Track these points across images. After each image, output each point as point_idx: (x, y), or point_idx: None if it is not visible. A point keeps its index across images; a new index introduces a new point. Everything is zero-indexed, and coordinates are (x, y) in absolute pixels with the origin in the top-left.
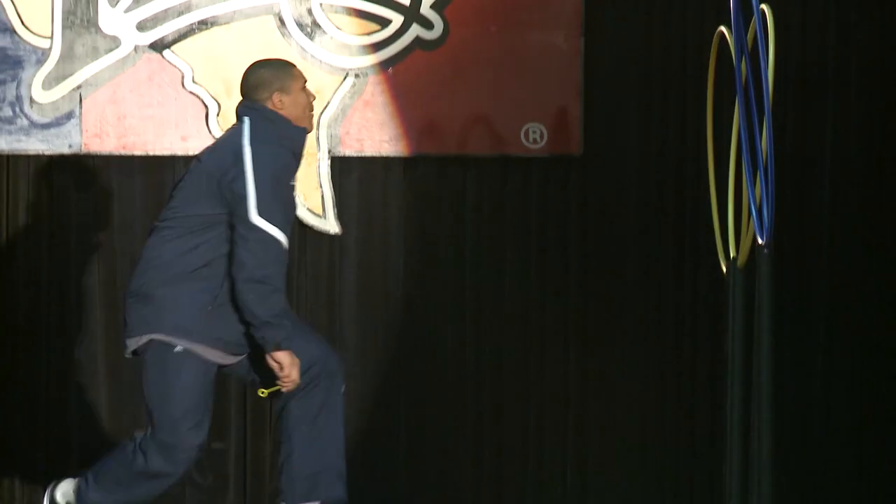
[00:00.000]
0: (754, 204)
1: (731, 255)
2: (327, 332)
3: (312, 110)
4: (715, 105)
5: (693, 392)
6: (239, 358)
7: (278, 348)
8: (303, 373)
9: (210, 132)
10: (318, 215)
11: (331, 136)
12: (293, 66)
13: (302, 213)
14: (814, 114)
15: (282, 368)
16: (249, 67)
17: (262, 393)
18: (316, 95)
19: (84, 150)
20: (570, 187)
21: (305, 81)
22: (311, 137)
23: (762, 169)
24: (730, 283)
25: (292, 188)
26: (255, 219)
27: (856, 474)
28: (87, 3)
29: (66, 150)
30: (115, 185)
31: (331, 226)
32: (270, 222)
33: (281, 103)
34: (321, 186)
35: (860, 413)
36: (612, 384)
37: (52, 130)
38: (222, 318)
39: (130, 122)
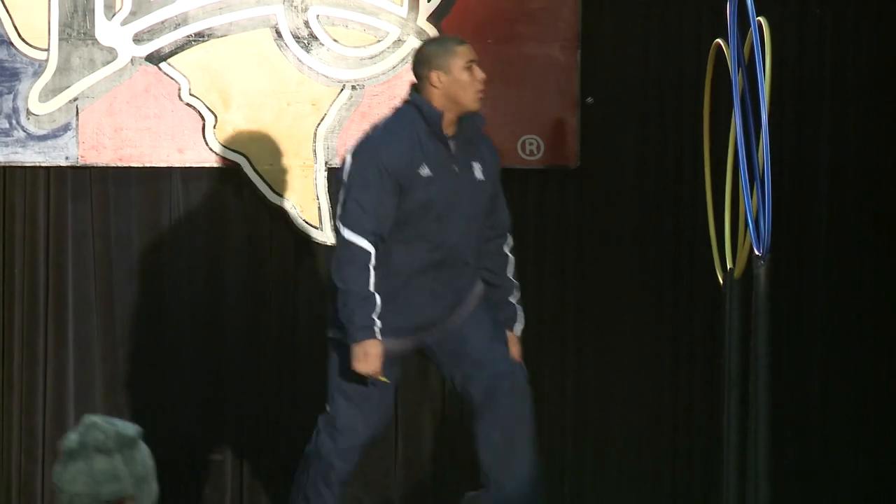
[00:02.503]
0: (751, 215)
1: (728, 267)
2: (325, 344)
3: (481, 88)
4: (712, 117)
5: (690, 403)
6: (415, 340)
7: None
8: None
9: (207, 144)
10: (315, 227)
11: (327, 148)
12: (459, 42)
13: (298, 224)
14: (811, 125)
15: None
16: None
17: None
18: (484, 75)
19: (81, 161)
20: (567, 199)
21: (472, 60)
22: (307, 149)
23: (759, 180)
24: (727, 294)
25: (422, 179)
26: (339, 224)
27: (854, 483)
28: (84, 15)
29: (62, 162)
30: (112, 197)
31: (328, 237)
32: (356, 231)
33: (440, 82)
34: (318, 198)
35: (858, 423)
36: (609, 394)
37: (49, 142)
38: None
39: (127, 134)
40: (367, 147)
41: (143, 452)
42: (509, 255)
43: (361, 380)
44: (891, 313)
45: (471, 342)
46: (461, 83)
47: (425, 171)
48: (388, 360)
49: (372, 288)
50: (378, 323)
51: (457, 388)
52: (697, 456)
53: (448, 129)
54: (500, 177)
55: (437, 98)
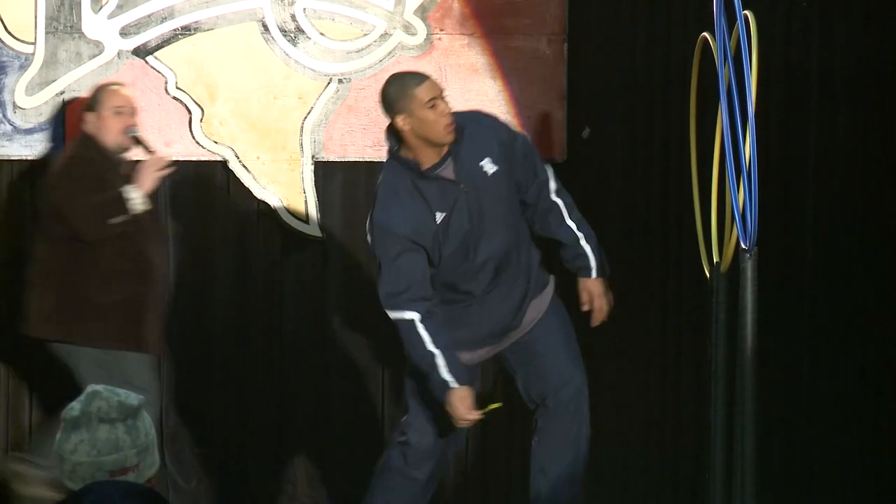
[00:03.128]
0: (738, 209)
1: (715, 261)
2: (312, 337)
3: (449, 121)
4: (699, 111)
5: (677, 397)
6: (490, 349)
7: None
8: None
9: (193, 137)
10: (301, 220)
11: (314, 142)
12: (418, 82)
13: (285, 217)
14: (798, 119)
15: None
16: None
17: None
18: (449, 107)
19: None
20: None
21: (433, 97)
22: (294, 142)
23: (746, 174)
24: (713, 287)
25: (439, 226)
26: (384, 304)
27: (840, 477)
28: (71, 8)
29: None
30: None
31: (314, 231)
32: (395, 308)
33: (406, 125)
34: (304, 191)
35: (845, 417)
36: (595, 388)
37: (36, 136)
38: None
39: None
40: (378, 220)
41: (146, 422)
42: (557, 199)
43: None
44: (878, 306)
45: (539, 354)
46: (427, 123)
47: (438, 216)
48: (468, 370)
49: (431, 346)
50: (452, 377)
51: (522, 395)
52: (684, 449)
53: (432, 161)
54: (523, 147)
55: (409, 139)
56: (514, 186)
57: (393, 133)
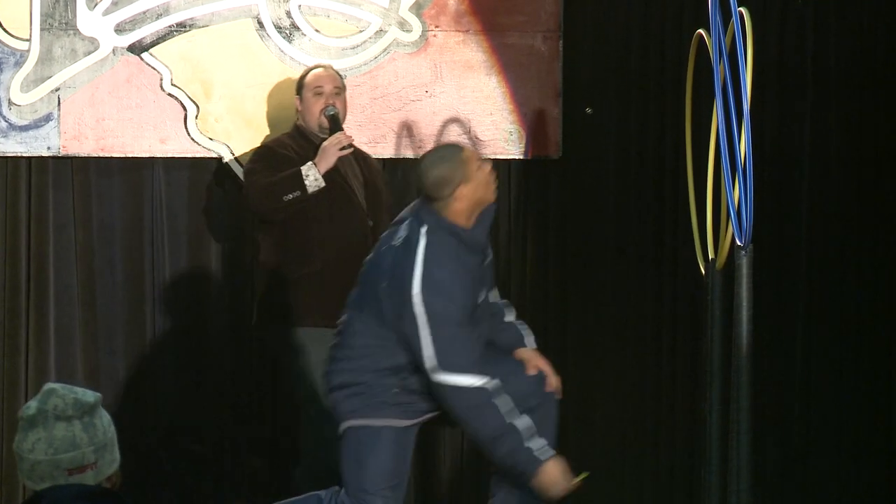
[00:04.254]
0: (733, 206)
1: (711, 257)
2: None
3: (493, 182)
4: (694, 107)
5: (673, 393)
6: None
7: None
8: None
9: (189, 134)
10: None
11: None
12: (461, 149)
13: None
14: (793, 116)
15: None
16: (424, 158)
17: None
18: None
19: (62, 152)
20: (550, 190)
21: (479, 158)
22: None
23: (741, 171)
24: (709, 284)
25: (481, 286)
26: (440, 376)
27: (835, 474)
28: (66, 5)
29: (44, 153)
30: (94, 187)
31: None
32: (457, 371)
33: (465, 195)
34: None
35: (840, 413)
36: (590, 384)
37: (31, 132)
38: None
39: (109, 124)
40: (440, 278)
41: (104, 420)
42: None
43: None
44: (872, 304)
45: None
46: (483, 184)
47: (478, 294)
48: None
49: (509, 419)
50: (544, 442)
51: None
52: (679, 445)
53: (470, 224)
54: None
55: (464, 211)
56: None
57: (427, 209)
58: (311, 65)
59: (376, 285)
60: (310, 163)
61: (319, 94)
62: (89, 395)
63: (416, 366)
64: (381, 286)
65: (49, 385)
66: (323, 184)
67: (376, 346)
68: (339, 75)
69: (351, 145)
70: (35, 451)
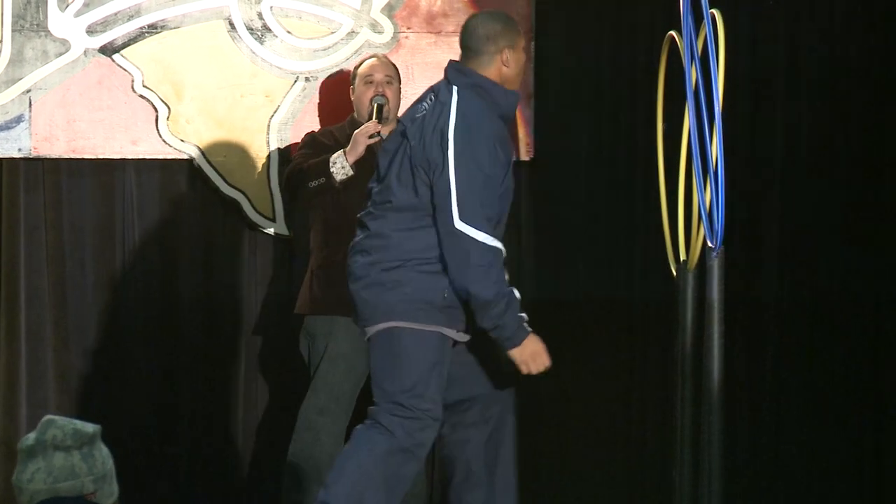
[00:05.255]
0: (704, 207)
1: (682, 259)
2: (279, 336)
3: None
4: (665, 109)
5: (643, 395)
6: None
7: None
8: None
9: (160, 136)
10: (268, 218)
11: (281, 140)
12: (517, 22)
13: (251, 215)
14: (764, 118)
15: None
16: (475, 17)
17: None
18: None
19: (34, 153)
20: (522, 192)
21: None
22: (261, 140)
23: (712, 172)
24: (680, 286)
25: (509, 166)
26: (463, 225)
27: (807, 473)
28: (37, 6)
29: (15, 154)
30: (65, 189)
31: (281, 229)
32: (478, 228)
33: (509, 62)
34: (271, 190)
35: (811, 416)
36: (561, 384)
37: (2, 134)
38: None
39: (80, 125)
40: (489, 132)
41: (103, 452)
42: None
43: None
44: (843, 305)
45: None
46: (523, 62)
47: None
48: None
49: (510, 286)
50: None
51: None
52: (651, 447)
53: None
54: None
55: (501, 73)
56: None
57: (461, 70)
58: (365, 55)
59: (405, 156)
60: (340, 151)
61: (370, 83)
62: (88, 427)
63: None
64: (415, 149)
65: (48, 417)
66: (351, 172)
67: (418, 228)
68: (392, 64)
69: (379, 133)
70: (34, 481)
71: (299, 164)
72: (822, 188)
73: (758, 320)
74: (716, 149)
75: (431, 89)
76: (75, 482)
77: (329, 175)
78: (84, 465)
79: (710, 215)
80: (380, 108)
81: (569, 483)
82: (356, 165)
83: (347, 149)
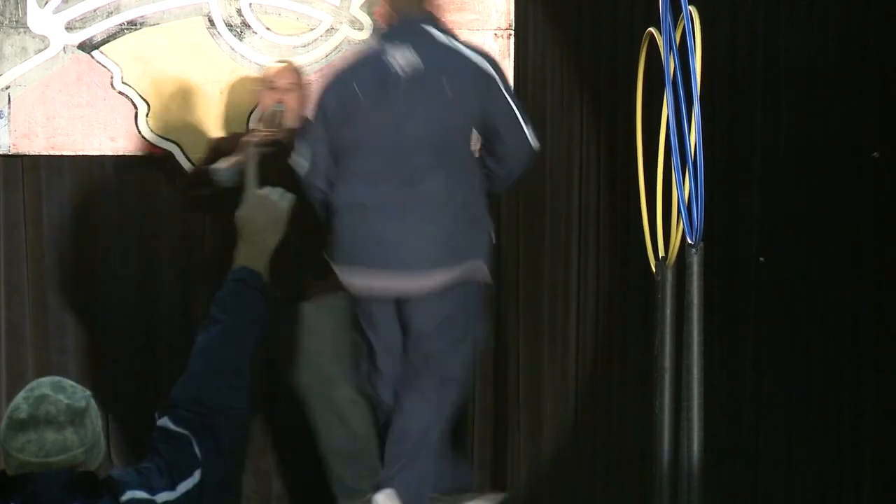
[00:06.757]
0: (683, 203)
1: (661, 255)
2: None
3: None
4: (645, 105)
5: (623, 391)
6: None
7: None
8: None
9: (139, 132)
10: None
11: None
12: None
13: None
14: (743, 113)
15: None
16: None
17: None
18: None
19: (13, 150)
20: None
21: None
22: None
23: (691, 168)
24: (659, 282)
25: None
26: (536, 144)
27: (786, 470)
28: (16, 3)
29: None
30: (45, 185)
31: None
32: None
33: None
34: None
35: (790, 411)
36: (539, 383)
37: None
38: None
39: (59, 122)
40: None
41: (93, 415)
42: None
43: None
44: (822, 301)
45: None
46: None
47: None
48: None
49: None
50: None
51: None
52: (630, 443)
53: None
54: None
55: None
56: None
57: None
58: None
59: (439, 102)
60: (223, 158)
61: (272, 88)
62: (80, 399)
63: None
64: (447, 92)
65: (40, 390)
66: (235, 177)
67: (472, 170)
68: (298, 71)
69: (268, 142)
70: (25, 453)
71: (191, 169)
72: (802, 183)
73: (737, 316)
74: (694, 143)
75: (404, 37)
76: (67, 456)
77: (211, 184)
78: (76, 438)
79: (688, 210)
80: (273, 114)
81: (546, 481)
82: (238, 171)
83: (230, 157)
